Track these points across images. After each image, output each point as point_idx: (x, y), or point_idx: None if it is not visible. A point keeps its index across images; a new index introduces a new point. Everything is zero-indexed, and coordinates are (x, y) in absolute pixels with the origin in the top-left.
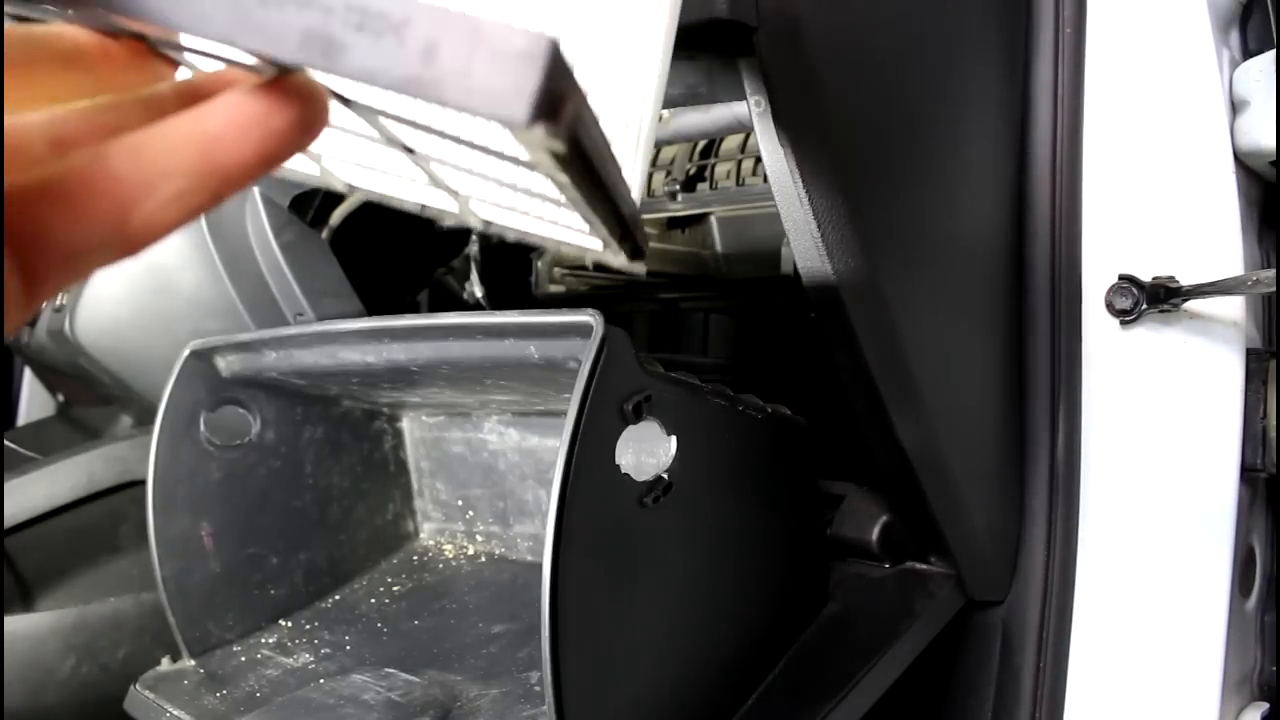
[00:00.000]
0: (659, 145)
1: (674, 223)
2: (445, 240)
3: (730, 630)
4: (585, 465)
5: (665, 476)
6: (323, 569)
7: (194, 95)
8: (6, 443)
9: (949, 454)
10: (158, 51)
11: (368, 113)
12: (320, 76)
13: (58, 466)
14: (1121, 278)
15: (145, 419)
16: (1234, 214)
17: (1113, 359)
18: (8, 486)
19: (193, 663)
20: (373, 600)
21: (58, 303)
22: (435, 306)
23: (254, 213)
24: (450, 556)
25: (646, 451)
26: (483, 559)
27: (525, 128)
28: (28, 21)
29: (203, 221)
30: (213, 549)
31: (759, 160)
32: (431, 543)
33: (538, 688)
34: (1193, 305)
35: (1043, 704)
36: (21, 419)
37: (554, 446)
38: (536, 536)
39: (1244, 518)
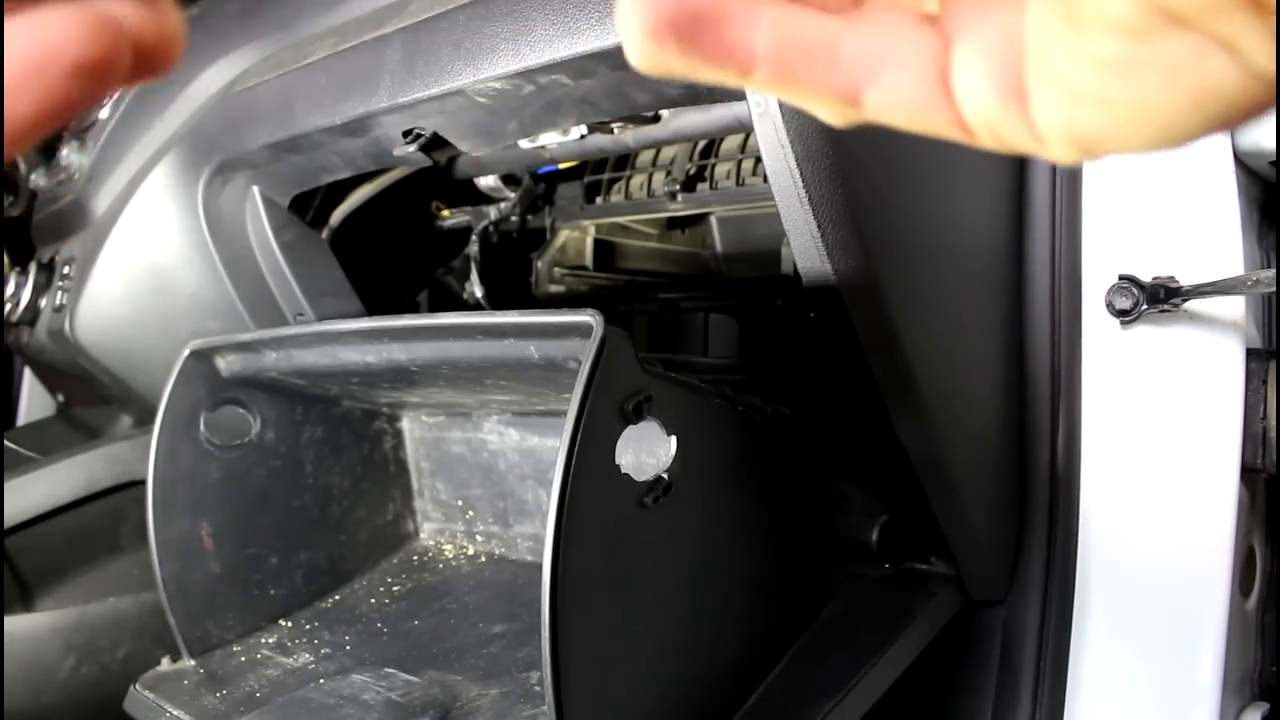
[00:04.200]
0: (659, 145)
1: (674, 223)
2: (445, 240)
3: (730, 630)
4: (585, 465)
5: (665, 476)
6: (323, 569)
7: None
8: (6, 443)
9: (949, 454)
10: None
11: None
12: None
13: (58, 466)
14: (1121, 278)
15: (145, 419)
16: (1234, 214)
17: (1113, 359)
18: (8, 486)
19: (193, 663)
20: (373, 600)
21: (58, 302)
22: (435, 306)
23: (254, 213)
24: (450, 556)
25: (646, 451)
26: (483, 559)
27: None
28: None
29: (203, 221)
30: (212, 549)
31: (759, 160)
32: (431, 543)
33: (538, 688)
34: (1193, 305)
35: (1043, 704)
36: (21, 419)
37: (554, 446)
38: (536, 536)
39: (1244, 518)
